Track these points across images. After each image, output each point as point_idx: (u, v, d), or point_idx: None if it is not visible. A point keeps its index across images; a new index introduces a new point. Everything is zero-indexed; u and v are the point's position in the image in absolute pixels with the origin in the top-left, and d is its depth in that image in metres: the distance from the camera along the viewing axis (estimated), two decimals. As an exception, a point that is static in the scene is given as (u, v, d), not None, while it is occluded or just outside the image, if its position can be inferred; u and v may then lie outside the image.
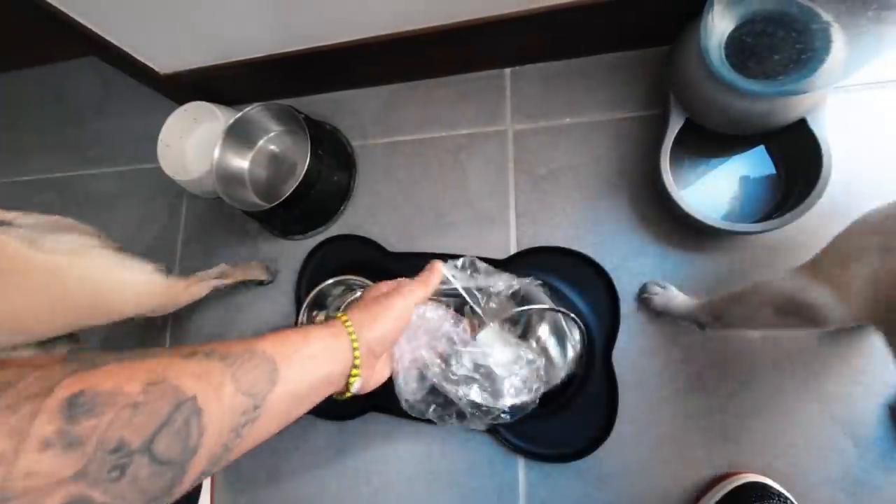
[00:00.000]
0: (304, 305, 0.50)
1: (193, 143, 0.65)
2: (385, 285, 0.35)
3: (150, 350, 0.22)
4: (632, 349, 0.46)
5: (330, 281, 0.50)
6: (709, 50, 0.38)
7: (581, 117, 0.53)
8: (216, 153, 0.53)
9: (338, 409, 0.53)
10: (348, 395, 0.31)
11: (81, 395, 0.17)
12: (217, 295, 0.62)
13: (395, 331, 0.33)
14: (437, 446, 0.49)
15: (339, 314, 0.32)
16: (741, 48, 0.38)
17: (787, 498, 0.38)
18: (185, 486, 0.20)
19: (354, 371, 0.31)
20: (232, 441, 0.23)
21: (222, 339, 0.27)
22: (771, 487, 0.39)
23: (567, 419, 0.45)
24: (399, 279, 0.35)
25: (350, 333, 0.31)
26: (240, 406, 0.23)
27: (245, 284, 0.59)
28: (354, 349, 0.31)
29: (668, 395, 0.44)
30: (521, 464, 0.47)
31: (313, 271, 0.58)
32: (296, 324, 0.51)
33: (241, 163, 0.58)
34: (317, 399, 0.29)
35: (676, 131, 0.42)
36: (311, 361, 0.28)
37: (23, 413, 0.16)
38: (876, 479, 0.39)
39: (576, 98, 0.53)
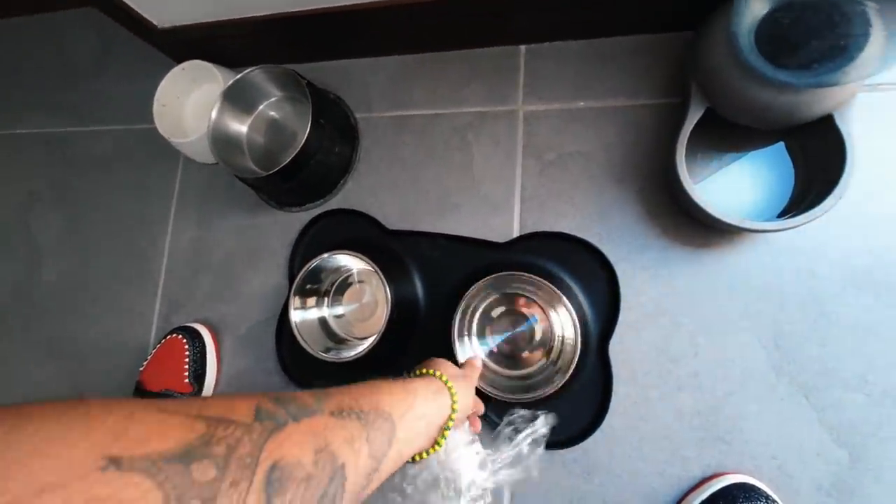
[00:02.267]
0: (298, 279, 0.49)
1: (191, 104, 0.63)
2: (450, 363, 0.37)
3: (315, 396, 0.22)
4: (629, 343, 0.45)
5: (325, 255, 0.49)
6: (739, 35, 0.36)
7: (595, 102, 0.50)
8: (213, 115, 0.51)
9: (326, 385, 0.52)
10: (426, 456, 0.31)
11: (277, 470, 0.17)
12: (210, 262, 0.60)
13: (472, 405, 0.36)
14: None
15: (434, 371, 0.34)
16: (772, 35, 0.36)
17: (774, 500, 0.38)
18: None
19: (446, 433, 0.31)
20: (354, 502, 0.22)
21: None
22: (759, 489, 0.38)
23: (558, 407, 0.44)
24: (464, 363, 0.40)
25: (452, 394, 0.32)
26: (366, 469, 0.23)
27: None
28: (454, 410, 0.32)
29: (661, 392, 0.44)
30: (508, 451, 0.47)
31: (308, 245, 0.56)
32: (287, 299, 0.50)
33: (239, 127, 0.56)
34: (410, 455, 0.29)
35: (696, 121, 0.41)
36: (419, 421, 0.28)
37: (241, 489, 0.16)
38: (867, 489, 0.38)
39: (591, 81, 0.51)
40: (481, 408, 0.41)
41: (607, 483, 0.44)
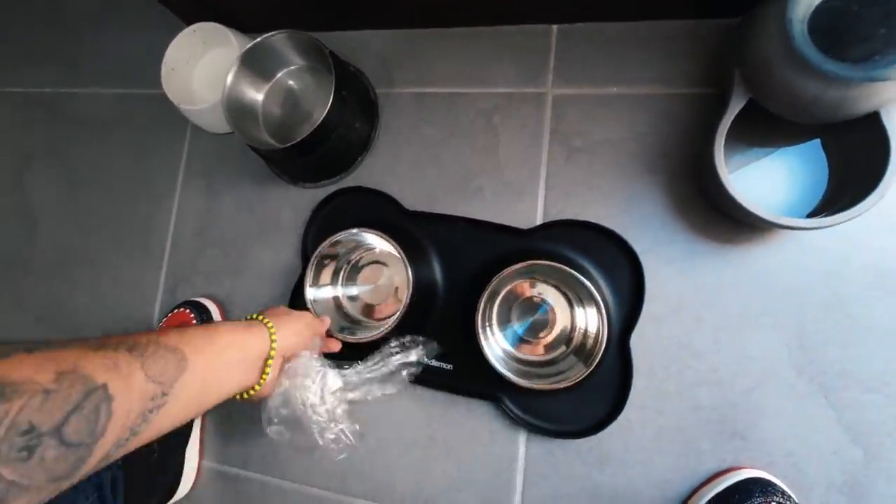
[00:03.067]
0: (317, 253, 0.48)
1: (202, 69, 0.60)
2: (285, 308, 0.43)
3: (60, 341, 0.24)
4: (650, 335, 0.45)
5: (348, 231, 0.47)
6: (793, 22, 0.34)
7: (628, 88, 0.49)
8: (229, 79, 0.48)
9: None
10: (253, 392, 0.36)
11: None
12: (218, 236, 0.58)
13: (304, 340, 0.40)
14: (438, 412, 0.48)
15: (254, 315, 0.38)
16: (825, 26, 0.35)
17: (790, 496, 0.38)
18: (89, 467, 0.22)
19: (270, 361, 0.35)
20: (139, 426, 0.25)
21: (136, 331, 0.28)
22: (775, 484, 0.39)
23: (576, 397, 0.44)
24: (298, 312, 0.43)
25: (269, 328, 0.36)
26: (148, 392, 0.25)
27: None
28: (273, 341, 0.36)
29: (680, 386, 0.44)
30: (522, 438, 0.46)
31: (323, 223, 0.54)
32: (301, 278, 0.49)
33: (255, 95, 0.53)
34: (228, 389, 0.33)
35: (737, 112, 0.39)
36: (222, 351, 0.31)
37: None
38: (880, 488, 0.39)
39: (625, 66, 0.49)
40: (334, 346, 0.45)
41: (620, 474, 0.44)
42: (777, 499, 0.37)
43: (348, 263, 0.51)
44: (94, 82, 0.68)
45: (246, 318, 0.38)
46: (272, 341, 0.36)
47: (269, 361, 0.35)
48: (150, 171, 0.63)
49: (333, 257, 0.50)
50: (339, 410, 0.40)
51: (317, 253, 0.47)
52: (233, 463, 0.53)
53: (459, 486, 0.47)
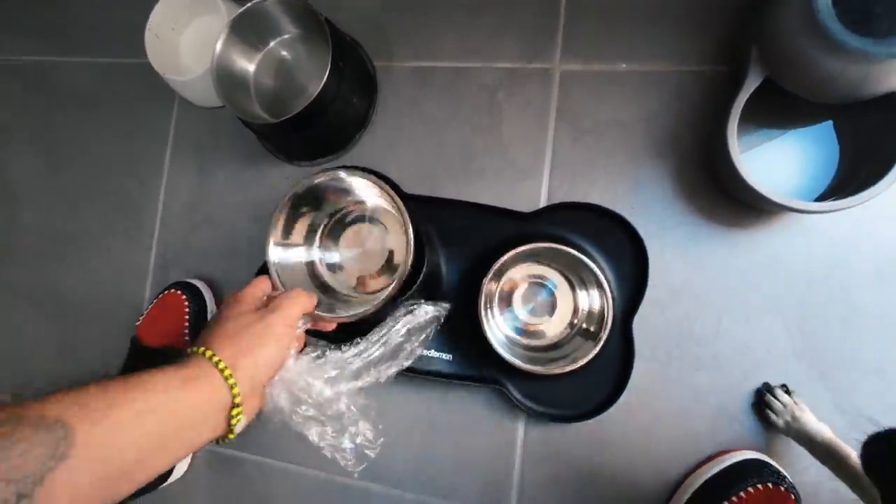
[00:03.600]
0: (286, 198, 0.37)
1: (189, 37, 0.56)
2: (245, 300, 0.31)
3: None
4: (652, 320, 0.44)
5: (332, 173, 0.36)
6: (817, -6, 0.32)
7: (639, 65, 0.47)
8: (218, 47, 0.46)
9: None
10: (231, 437, 0.27)
11: None
12: (210, 215, 0.56)
13: (279, 355, 0.29)
14: (437, 397, 0.48)
15: (197, 347, 0.27)
16: (849, 1, 0.33)
17: (784, 476, 0.39)
18: None
19: (236, 410, 0.26)
20: None
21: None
22: (770, 465, 0.39)
23: (577, 381, 0.44)
24: (256, 288, 0.33)
25: (223, 370, 0.26)
26: None
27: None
28: (232, 387, 0.26)
29: (680, 371, 0.44)
30: (521, 422, 0.46)
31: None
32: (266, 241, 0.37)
33: (246, 65, 0.51)
34: (163, 463, 0.23)
35: (752, 89, 0.38)
36: (140, 419, 0.22)
37: None
38: (873, 468, 0.39)
39: (635, 42, 0.47)
40: (328, 325, 0.35)
41: (618, 456, 0.44)
42: (772, 479, 0.38)
43: (330, 218, 0.40)
44: (75, 51, 0.64)
45: (187, 353, 0.27)
46: (231, 388, 0.26)
47: (236, 413, 0.26)
48: (137, 146, 0.60)
49: (310, 207, 0.39)
50: (351, 410, 0.32)
51: (289, 195, 0.36)
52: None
53: (459, 468, 0.47)
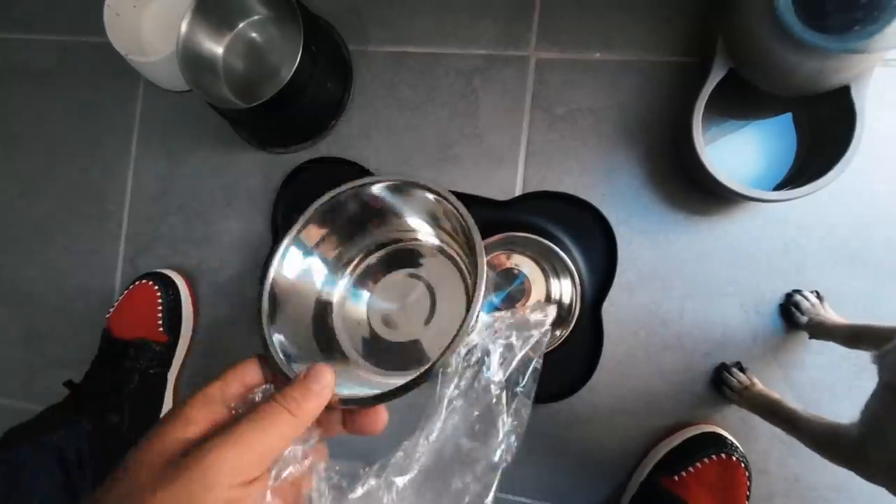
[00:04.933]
0: (304, 219, 0.24)
1: (152, 16, 0.54)
2: (195, 419, 0.17)
3: None
4: (621, 304, 0.46)
5: (380, 183, 0.23)
6: (777, -12, 0.33)
7: (612, 54, 0.48)
8: (183, 27, 0.44)
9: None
10: None
11: None
12: (181, 203, 0.55)
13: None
14: (415, 381, 0.49)
15: None
16: (807, -6, 0.34)
17: (737, 447, 0.42)
18: None
19: None
20: None
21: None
22: (725, 438, 0.42)
23: (549, 364, 0.45)
24: (234, 381, 0.19)
25: None
26: None
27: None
28: None
29: (647, 352, 0.46)
30: (497, 403, 0.48)
31: (294, 194, 0.52)
32: (270, 253, 0.23)
33: (213, 47, 0.49)
34: None
35: (717, 81, 0.39)
36: None
37: None
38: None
39: (610, 31, 0.48)
40: (376, 423, 0.22)
41: (587, 431, 0.46)
42: (727, 450, 0.41)
43: (368, 254, 0.27)
44: (29, 27, 0.60)
45: None
46: None
47: None
48: (100, 129, 0.57)
49: (339, 231, 0.25)
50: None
51: (313, 207, 0.24)
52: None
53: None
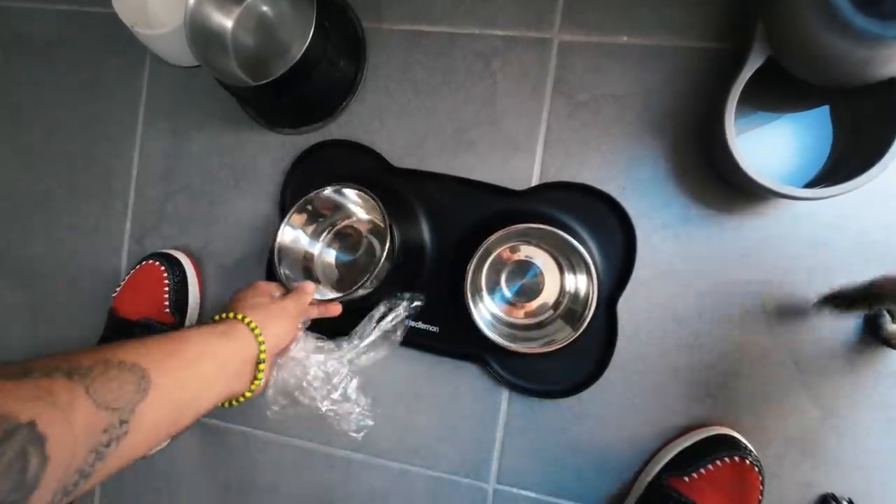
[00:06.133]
0: (297, 205, 0.43)
1: (158, -14, 0.52)
2: (261, 289, 0.38)
3: (36, 361, 0.20)
4: (637, 300, 0.45)
5: (332, 187, 0.43)
6: (829, -32, 0.31)
7: (641, 38, 0.45)
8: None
9: (321, 327, 0.50)
10: (249, 395, 0.32)
11: None
12: (188, 182, 0.54)
13: (292, 331, 0.37)
14: (423, 370, 0.49)
15: (226, 313, 0.33)
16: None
17: (751, 450, 0.41)
18: None
19: (262, 365, 0.32)
20: (90, 466, 0.21)
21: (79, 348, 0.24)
22: (739, 440, 0.41)
23: (561, 359, 0.45)
24: (268, 285, 0.39)
25: (254, 330, 0.32)
26: (100, 424, 0.21)
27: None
28: (260, 343, 0.32)
29: (661, 349, 0.45)
30: (504, 395, 0.47)
31: (302, 178, 0.50)
32: (276, 232, 0.43)
33: (223, 21, 0.47)
34: (207, 404, 0.29)
35: (755, 69, 0.37)
36: (194, 362, 0.27)
37: None
38: (831, 443, 0.42)
39: (638, 13, 0.45)
40: (336, 309, 0.41)
41: (596, 429, 0.46)
42: (740, 453, 0.40)
43: (332, 227, 0.47)
44: (29, -5, 0.58)
45: (220, 318, 0.33)
46: (259, 343, 0.32)
47: (261, 366, 0.32)
48: (105, 104, 0.56)
49: (317, 215, 0.46)
50: (352, 384, 0.41)
51: (299, 203, 0.43)
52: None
53: (441, 438, 0.48)
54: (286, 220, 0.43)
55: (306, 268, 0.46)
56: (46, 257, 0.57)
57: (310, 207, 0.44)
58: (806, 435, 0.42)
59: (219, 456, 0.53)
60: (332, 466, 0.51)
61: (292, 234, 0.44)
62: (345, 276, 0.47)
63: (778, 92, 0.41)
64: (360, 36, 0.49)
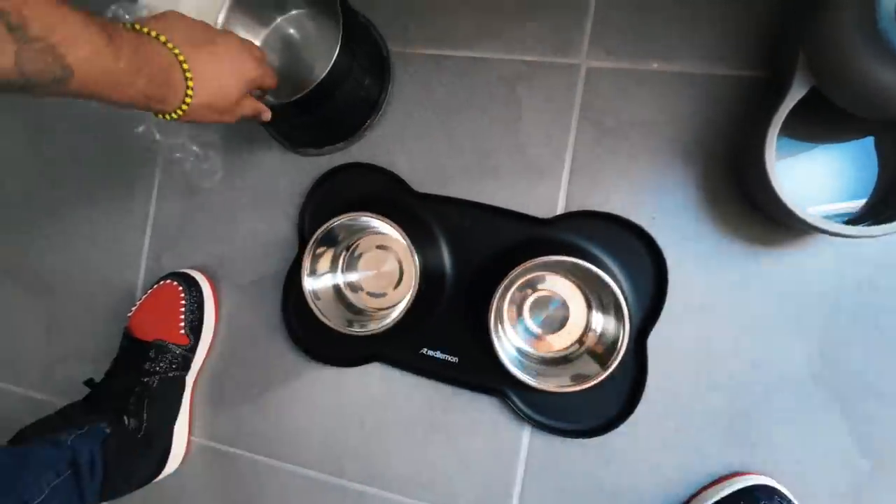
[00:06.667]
0: (312, 240, 0.43)
1: (187, 5, 0.52)
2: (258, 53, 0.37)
3: None
4: (668, 335, 0.43)
5: (347, 216, 0.42)
6: (882, 1, 0.30)
7: (671, 65, 0.44)
8: (220, 19, 0.42)
9: (337, 354, 0.48)
10: (185, 107, 0.31)
11: None
12: (207, 201, 0.53)
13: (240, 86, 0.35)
14: (439, 399, 0.47)
15: (153, 32, 0.30)
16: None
17: (792, 502, 0.38)
18: None
19: (189, 74, 0.30)
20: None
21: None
22: (781, 492, 0.38)
23: (587, 396, 0.42)
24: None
25: (185, 72, 0.30)
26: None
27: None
28: (188, 96, 0.30)
29: (694, 389, 0.42)
30: (526, 431, 0.45)
31: (323, 199, 0.50)
32: (297, 264, 0.45)
33: (251, 40, 0.47)
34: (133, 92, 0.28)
35: (797, 99, 0.35)
36: (111, 45, 0.26)
37: None
38: (884, 499, 0.39)
39: (670, 40, 0.44)
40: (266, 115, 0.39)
41: (624, 472, 0.43)
42: (782, 506, 0.37)
43: (347, 249, 0.47)
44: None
45: (140, 30, 0.29)
46: (187, 96, 0.31)
47: (189, 77, 0.30)
48: (128, 120, 0.56)
49: (332, 241, 0.45)
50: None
51: (313, 239, 0.43)
52: (223, 440, 0.51)
53: (458, 473, 0.46)
54: (304, 268, 0.43)
55: (345, 303, 0.47)
56: (64, 269, 0.57)
57: (322, 247, 0.45)
58: (855, 489, 0.39)
59: (224, 483, 0.51)
60: (344, 499, 0.49)
61: (314, 282, 0.44)
62: (370, 293, 0.48)
63: (819, 121, 0.40)
64: (385, 55, 0.49)
